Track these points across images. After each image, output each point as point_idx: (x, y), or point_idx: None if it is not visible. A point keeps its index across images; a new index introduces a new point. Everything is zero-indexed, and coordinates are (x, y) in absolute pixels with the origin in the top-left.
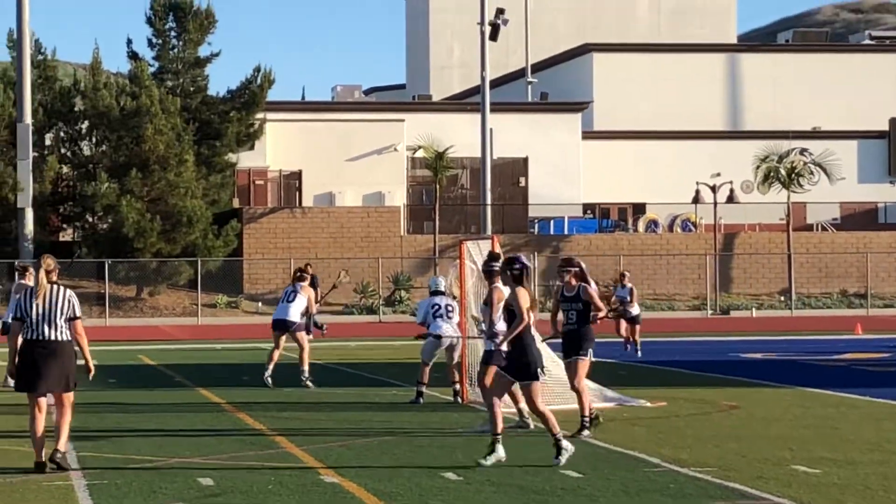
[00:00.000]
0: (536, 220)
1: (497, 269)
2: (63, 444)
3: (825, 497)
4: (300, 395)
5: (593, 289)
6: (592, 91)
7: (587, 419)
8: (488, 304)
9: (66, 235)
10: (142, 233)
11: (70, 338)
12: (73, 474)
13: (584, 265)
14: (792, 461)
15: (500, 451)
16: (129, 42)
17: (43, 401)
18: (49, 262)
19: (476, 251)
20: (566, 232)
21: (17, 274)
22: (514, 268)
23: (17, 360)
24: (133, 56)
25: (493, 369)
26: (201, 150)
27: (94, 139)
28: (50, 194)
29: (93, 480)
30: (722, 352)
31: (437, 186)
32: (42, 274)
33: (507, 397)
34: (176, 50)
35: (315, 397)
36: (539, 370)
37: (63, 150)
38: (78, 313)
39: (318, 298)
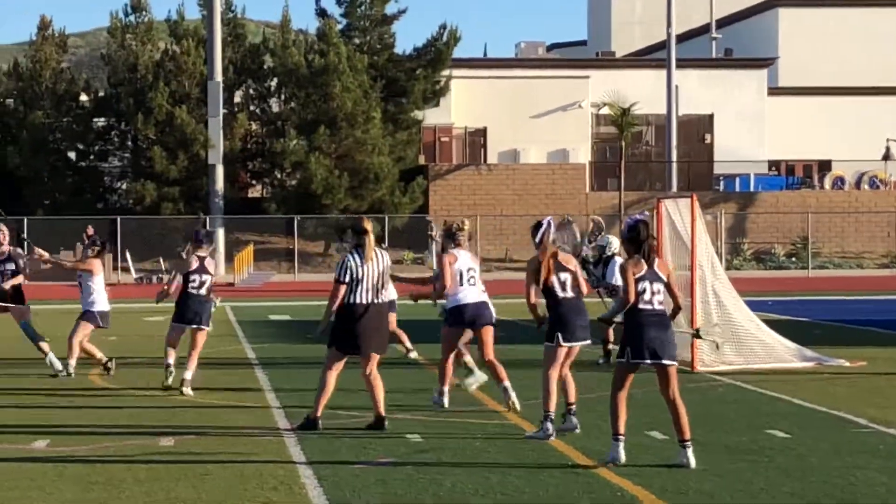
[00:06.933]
0: (722, 178)
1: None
2: (383, 406)
3: None
4: (502, 353)
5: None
6: (777, 47)
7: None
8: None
9: (255, 192)
10: (330, 189)
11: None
12: (283, 428)
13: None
14: None
15: None
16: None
17: (342, 362)
18: (369, 225)
19: (674, 209)
20: (752, 189)
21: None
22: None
23: (340, 322)
24: (321, 13)
25: None
26: (388, 108)
27: (282, 96)
28: (240, 151)
29: (304, 436)
30: None
31: (622, 143)
32: (371, 238)
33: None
34: (363, 7)
35: (512, 354)
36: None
37: (252, 108)
38: (387, 276)
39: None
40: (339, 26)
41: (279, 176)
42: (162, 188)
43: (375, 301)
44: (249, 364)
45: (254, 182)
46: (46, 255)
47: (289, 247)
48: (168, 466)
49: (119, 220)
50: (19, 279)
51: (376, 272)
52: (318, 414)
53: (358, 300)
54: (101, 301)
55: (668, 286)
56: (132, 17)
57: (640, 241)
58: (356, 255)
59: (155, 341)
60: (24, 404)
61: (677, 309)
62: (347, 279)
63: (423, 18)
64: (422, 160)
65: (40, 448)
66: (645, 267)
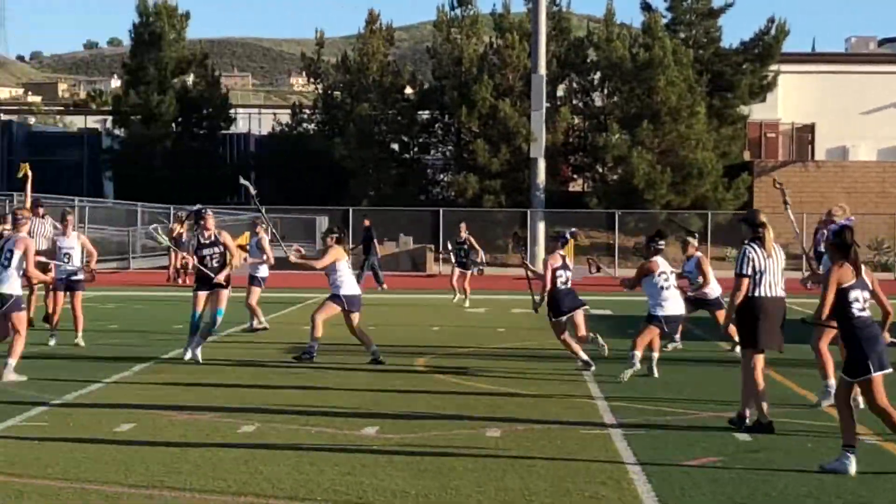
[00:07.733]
0: None
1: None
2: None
3: None
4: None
5: None
6: None
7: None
8: None
9: (576, 186)
10: (652, 184)
11: None
12: (608, 423)
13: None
14: None
15: None
16: None
17: (763, 359)
18: (765, 217)
19: None
20: None
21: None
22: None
23: (750, 318)
24: (646, 7)
25: None
26: (713, 102)
27: (605, 90)
28: (561, 145)
29: (629, 431)
30: None
31: None
32: (770, 231)
33: None
34: (689, 1)
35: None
36: None
37: (575, 101)
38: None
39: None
40: (664, 20)
41: (600, 170)
42: (484, 181)
43: (780, 295)
44: (570, 357)
45: (575, 176)
46: (296, 257)
47: (609, 241)
48: (496, 458)
49: (441, 212)
50: (228, 270)
51: (777, 265)
52: (747, 413)
53: (763, 293)
54: (347, 285)
55: (874, 293)
56: (458, 11)
57: (847, 247)
58: (756, 248)
59: (475, 332)
60: (353, 387)
61: (887, 314)
62: (749, 272)
63: (751, 12)
64: (747, 156)
65: (371, 435)
66: (854, 275)
